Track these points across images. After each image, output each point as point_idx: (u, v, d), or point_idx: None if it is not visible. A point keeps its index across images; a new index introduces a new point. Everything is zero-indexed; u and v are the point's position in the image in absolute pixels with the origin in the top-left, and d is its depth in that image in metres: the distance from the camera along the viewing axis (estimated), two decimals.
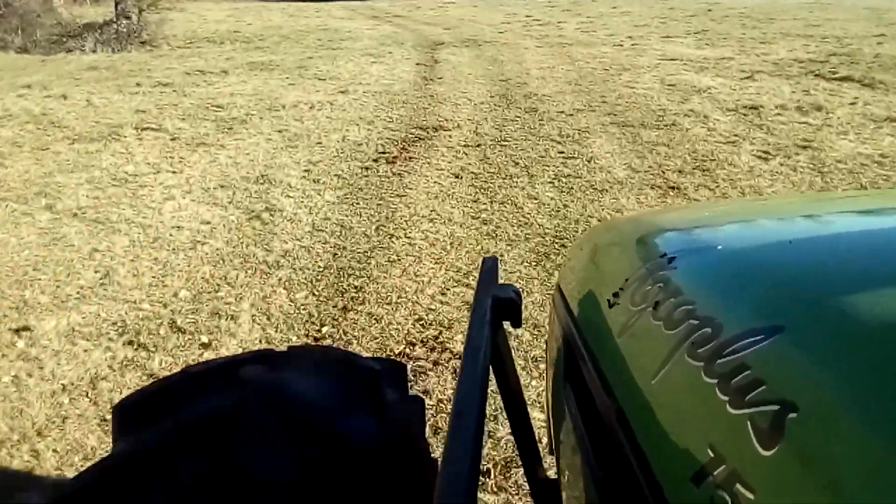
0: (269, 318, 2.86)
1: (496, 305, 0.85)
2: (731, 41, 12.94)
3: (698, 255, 0.86)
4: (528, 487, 1.56)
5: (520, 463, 1.24)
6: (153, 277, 3.22)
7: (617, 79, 8.79)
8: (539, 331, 2.67)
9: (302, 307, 2.95)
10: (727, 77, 8.57)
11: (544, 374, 1.35)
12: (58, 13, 20.97)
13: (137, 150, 5.65)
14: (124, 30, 16.21)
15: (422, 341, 2.65)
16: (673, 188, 4.40)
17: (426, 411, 1.56)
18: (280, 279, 3.21)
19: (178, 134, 6.19)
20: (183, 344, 2.68)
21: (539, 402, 2.22)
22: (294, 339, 2.70)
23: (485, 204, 4.17)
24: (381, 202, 4.25)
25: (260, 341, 2.68)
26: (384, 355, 2.51)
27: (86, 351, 2.60)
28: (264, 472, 0.77)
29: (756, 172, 4.67)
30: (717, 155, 5.08)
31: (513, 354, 1.04)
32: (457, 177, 4.77)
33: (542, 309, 2.86)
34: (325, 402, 0.89)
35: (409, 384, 1.34)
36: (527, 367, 2.44)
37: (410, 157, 5.27)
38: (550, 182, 4.53)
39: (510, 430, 1.16)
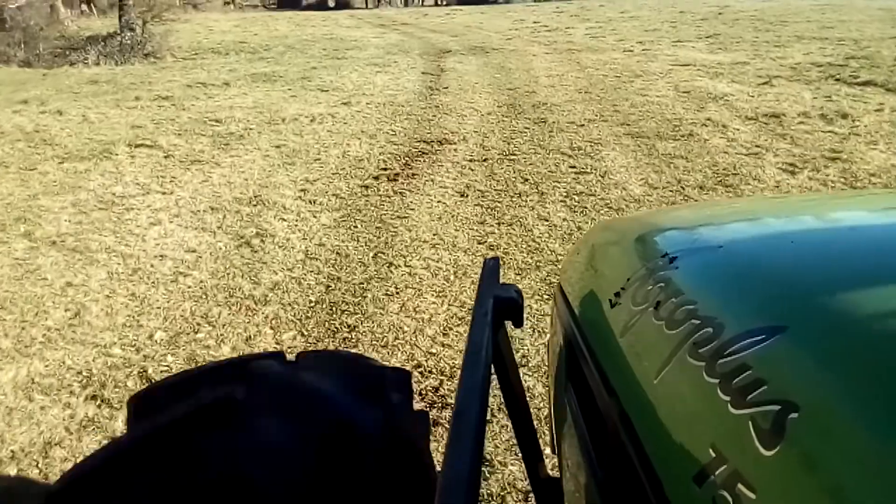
0: None
1: (498, 305, 0.85)
2: (744, 45, 12.60)
3: (700, 254, 0.85)
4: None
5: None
6: (128, 316, 2.94)
7: (629, 86, 8.48)
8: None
9: (289, 351, 2.66)
10: (744, 83, 8.24)
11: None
12: (64, 26, 20.95)
13: (128, 168, 5.39)
14: (128, 42, 16.07)
15: (420, 393, 2.34)
16: None
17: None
18: (266, 317, 2.92)
19: (172, 151, 5.93)
20: None
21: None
22: None
23: (491, 226, 3.87)
24: (380, 225, 3.96)
25: None
26: None
27: (43, 408, 2.31)
28: (272, 448, 0.78)
29: (784, 188, 4.34)
30: (739, 168, 4.75)
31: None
32: (462, 195, 4.47)
33: None
34: (333, 391, 0.89)
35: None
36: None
37: (413, 174, 4.99)
38: (562, 200, 4.23)
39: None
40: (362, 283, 3.20)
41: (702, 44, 13.26)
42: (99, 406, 2.32)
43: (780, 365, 0.54)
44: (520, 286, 3.02)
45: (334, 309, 2.97)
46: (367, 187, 4.71)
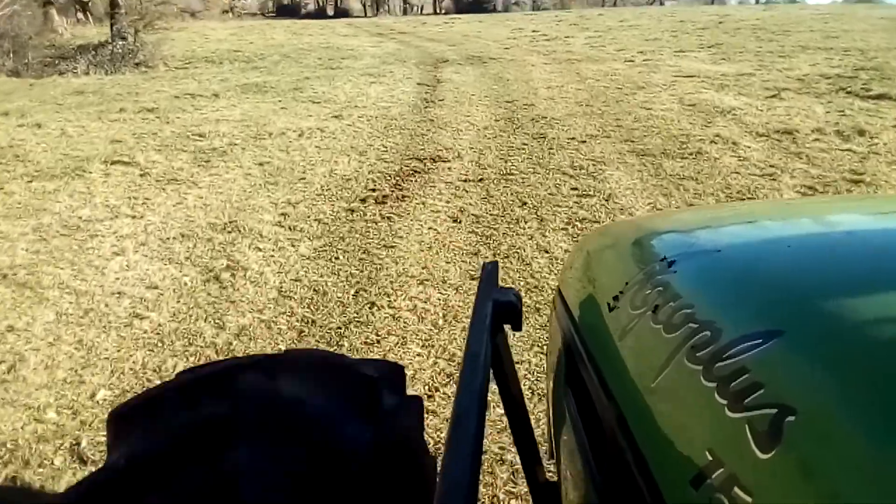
0: None
1: (497, 309, 0.85)
2: (748, 55, 12.30)
3: (697, 258, 0.85)
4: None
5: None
6: (70, 370, 2.58)
7: (631, 98, 8.15)
8: None
9: None
10: (751, 96, 7.91)
11: None
12: (57, 34, 20.67)
13: (100, 189, 5.05)
14: (119, 51, 15.79)
15: None
16: None
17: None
18: None
19: (149, 169, 5.59)
20: None
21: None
22: None
23: (486, 258, 3.52)
24: (364, 256, 3.60)
25: None
26: None
27: None
28: (257, 481, 0.76)
29: None
30: (755, 191, 4.41)
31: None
32: (455, 220, 4.12)
33: None
34: (320, 410, 0.85)
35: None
36: None
37: (404, 196, 4.64)
38: (563, 228, 3.88)
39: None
40: (340, 329, 2.84)
41: (704, 54, 12.97)
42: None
43: (777, 369, 0.54)
44: (517, 333, 2.68)
45: None
46: (352, 211, 4.36)
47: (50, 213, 4.50)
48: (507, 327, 0.92)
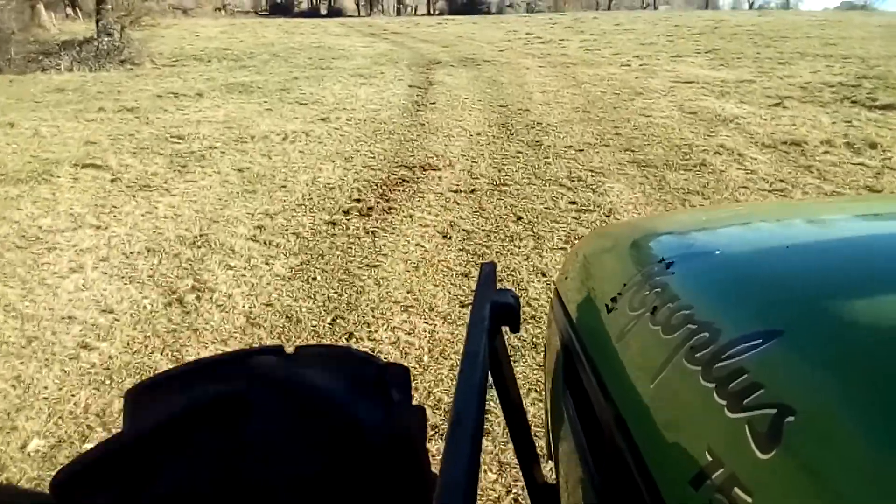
0: None
1: (494, 311, 0.84)
2: (746, 61, 12.07)
3: (696, 259, 0.85)
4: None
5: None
6: (2, 412, 2.26)
7: (629, 105, 7.88)
8: None
9: None
10: (753, 104, 7.66)
11: None
12: (44, 29, 20.25)
13: (66, 195, 4.72)
14: (105, 47, 15.39)
15: None
16: None
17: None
18: None
19: (121, 173, 5.26)
20: None
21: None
22: None
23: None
24: (344, 277, 3.30)
25: None
26: None
27: None
28: (271, 448, 0.76)
29: None
30: None
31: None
32: (445, 236, 3.82)
33: None
34: (333, 389, 0.87)
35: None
36: None
37: (390, 208, 4.33)
38: (562, 248, 3.58)
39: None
40: None
41: (702, 59, 12.73)
42: None
43: (776, 369, 0.54)
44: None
45: None
46: (334, 224, 4.05)
47: (9, 221, 4.17)
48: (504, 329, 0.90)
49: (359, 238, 3.81)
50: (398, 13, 55.18)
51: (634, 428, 0.64)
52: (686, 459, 0.53)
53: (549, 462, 1.18)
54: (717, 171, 4.94)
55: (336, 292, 3.13)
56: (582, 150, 5.72)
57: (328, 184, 4.92)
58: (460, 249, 3.63)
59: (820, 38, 16.40)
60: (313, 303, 3.03)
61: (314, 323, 2.84)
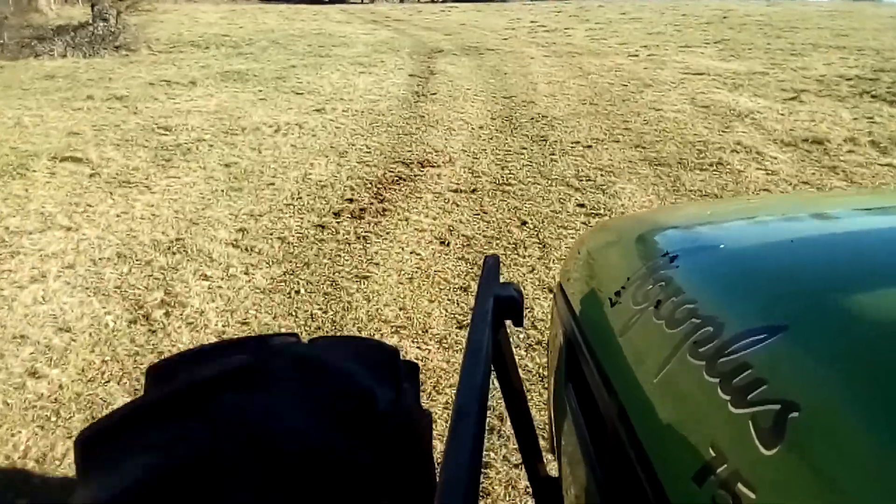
0: None
1: (498, 304, 0.85)
2: (757, 52, 11.68)
3: (700, 254, 0.84)
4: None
5: None
6: None
7: (638, 97, 7.53)
8: None
9: None
10: (768, 97, 7.31)
11: None
12: (41, 13, 19.86)
13: (39, 192, 4.41)
14: (99, 33, 15.03)
15: None
16: None
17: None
18: None
19: (101, 168, 4.95)
20: None
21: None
22: None
23: None
24: (330, 290, 2.99)
25: None
26: None
27: None
28: (295, 409, 0.77)
29: None
30: None
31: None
32: (443, 243, 3.51)
33: None
34: (345, 367, 0.88)
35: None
36: None
37: (384, 210, 4.02)
38: None
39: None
40: None
41: (711, 50, 12.34)
42: None
43: (780, 364, 0.53)
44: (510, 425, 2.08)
45: None
46: (323, 227, 3.74)
47: None
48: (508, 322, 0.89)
49: (349, 244, 3.51)
50: (401, 0, 54.57)
51: (637, 422, 0.63)
52: (689, 454, 0.52)
53: (552, 456, 1.18)
54: (735, 171, 4.62)
55: (320, 308, 2.83)
56: (590, 147, 5.39)
57: (320, 181, 4.61)
58: (459, 258, 3.33)
59: (831, 29, 15.99)
60: (294, 321, 2.72)
61: None
